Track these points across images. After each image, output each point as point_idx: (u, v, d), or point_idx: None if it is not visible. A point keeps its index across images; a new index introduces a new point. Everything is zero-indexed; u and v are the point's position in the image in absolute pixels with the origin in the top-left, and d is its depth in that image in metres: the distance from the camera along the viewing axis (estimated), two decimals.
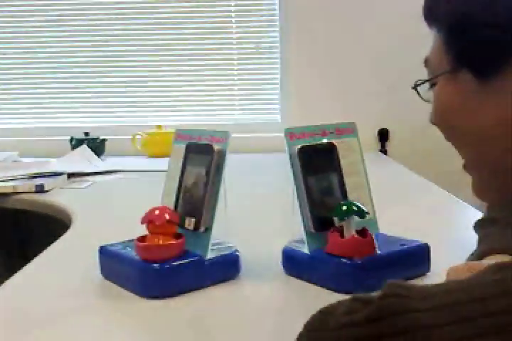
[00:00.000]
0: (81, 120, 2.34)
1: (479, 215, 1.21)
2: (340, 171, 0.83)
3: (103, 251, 0.84)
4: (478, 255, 0.77)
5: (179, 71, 2.29)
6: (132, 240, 0.87)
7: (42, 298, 0.80)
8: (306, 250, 0.80)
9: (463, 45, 0.55)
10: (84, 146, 2.05)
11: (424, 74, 0.63)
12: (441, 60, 0.57)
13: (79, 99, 2.35)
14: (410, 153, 2.18)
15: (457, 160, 0.64)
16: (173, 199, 0.84)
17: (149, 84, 2.31)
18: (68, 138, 2.17)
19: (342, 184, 0.82)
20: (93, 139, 2.16)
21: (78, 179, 1.73)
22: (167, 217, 0.77)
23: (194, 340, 0.66)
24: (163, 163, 2.01)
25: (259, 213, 1.28)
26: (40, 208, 1.45)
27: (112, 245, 0.86)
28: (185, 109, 2.32)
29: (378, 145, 2.26)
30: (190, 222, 0.80)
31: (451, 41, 0.56)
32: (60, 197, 1.48)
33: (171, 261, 0.76)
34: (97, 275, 0.85)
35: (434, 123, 0.63)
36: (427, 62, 0.61)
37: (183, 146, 0.86)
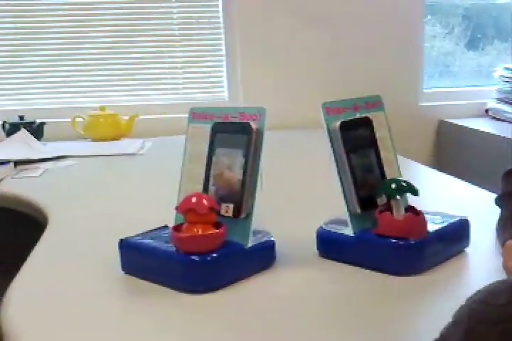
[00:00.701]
0: (15, 103, 2.14)
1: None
2: (377, 147, 0.79)
3: (125, 244, 0.76)
4: None
5: (119, 48, 2.15)
6: (153, 230, 0.80)
7: (62, 301, 0.71)
8: (348, 232, 0.76)
9: None
10: (24, 131, 1.89)
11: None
12: None
13: (11, 79, 2.15)
14: None
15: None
16: (200, 185, 0.77)
17: (88, 62, 2.15)
18: (0, 122, 1.99)
19: (379, 160, 0.79)
20: (29, 123, 1.99)
21: (27, 166, 1.58)
22: (206, 204, 0.70)
23: (248, 335, 0.61)
24: (113, 147, 1.93)
25: None
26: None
27: (131, 237, 0.77)
28: (127, 88, 2.19)
29: None
30: (227, 209, 0.73)
31: None
32: (17, 187, 1.35)
33: (213, 252, 0.70)
34: (116, 271, 0.77)
35: None
36: None
37: (205, 126, 0.78)
